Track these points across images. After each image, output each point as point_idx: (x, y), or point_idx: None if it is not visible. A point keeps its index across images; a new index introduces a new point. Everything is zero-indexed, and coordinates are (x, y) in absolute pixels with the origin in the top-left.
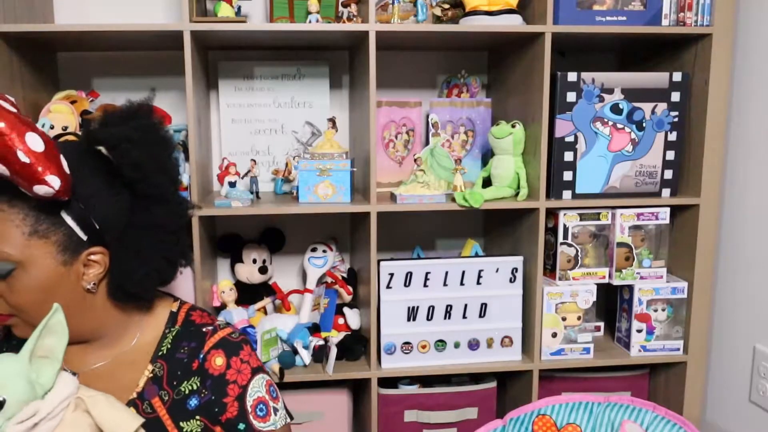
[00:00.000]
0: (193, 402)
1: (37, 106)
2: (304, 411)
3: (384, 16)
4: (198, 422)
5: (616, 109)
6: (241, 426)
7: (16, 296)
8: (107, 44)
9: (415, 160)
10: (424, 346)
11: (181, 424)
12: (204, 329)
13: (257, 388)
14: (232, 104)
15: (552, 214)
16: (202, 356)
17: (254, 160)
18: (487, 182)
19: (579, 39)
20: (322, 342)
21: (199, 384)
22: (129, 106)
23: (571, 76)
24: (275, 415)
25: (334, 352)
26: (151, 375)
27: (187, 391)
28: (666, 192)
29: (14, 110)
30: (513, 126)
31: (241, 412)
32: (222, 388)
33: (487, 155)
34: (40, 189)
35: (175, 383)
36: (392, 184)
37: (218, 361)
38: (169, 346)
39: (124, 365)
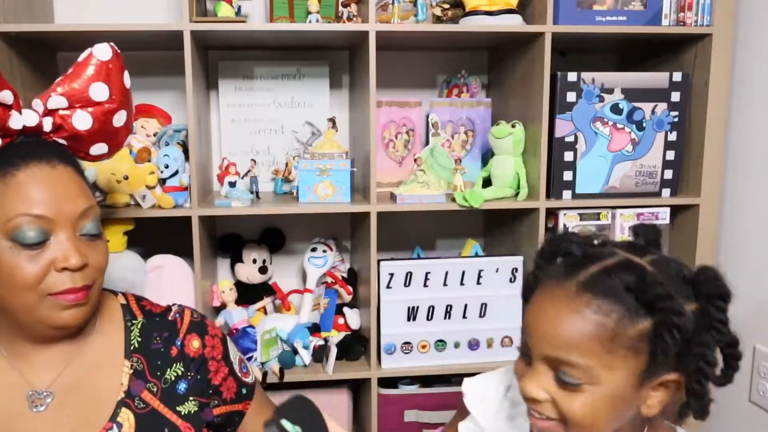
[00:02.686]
0: (182, 386)
1: None
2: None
3: (384, 16)
4: (193, 402)
5: (616, 109)
6: (244, 390)
7: None
8: None
9: (415, 160)
10: (424, 346)
11: (177, 408)
12: (169, 317)
13: (233, 351)
14: (232, 104)
15: (552, 214)
16: (179, 342)
17: (254, 160)
18: (487, 182)
19: (579, 39)
20: (322, 342)
21: (183, 369)
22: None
23: (571, 76)
24: (251, 366)
25: (334, 352)
26: (132, 371)
27: (173, 378)
28: (666, 192)
29: None
30: (513, 126)
31: (231, 374)
32: (205, 367)
33: (487, 155)
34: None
35: (158, 373)
36: (392, 184)
37: (195, 344)
38: (139, 339)
39: (96, 369)
